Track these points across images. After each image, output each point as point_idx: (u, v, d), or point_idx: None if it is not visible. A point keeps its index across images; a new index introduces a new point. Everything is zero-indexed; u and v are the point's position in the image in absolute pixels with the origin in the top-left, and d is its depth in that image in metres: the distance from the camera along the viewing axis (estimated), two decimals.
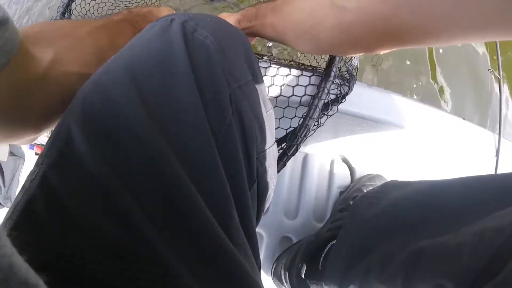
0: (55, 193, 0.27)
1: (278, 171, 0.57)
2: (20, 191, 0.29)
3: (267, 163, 0.41)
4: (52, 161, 0.29)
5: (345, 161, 0.89)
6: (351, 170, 0.88)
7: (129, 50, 0.36)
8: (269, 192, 0.43)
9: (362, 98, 0.77)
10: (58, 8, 0.73)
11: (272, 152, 0.43)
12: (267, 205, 0.44)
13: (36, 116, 0.37)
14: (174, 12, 0.67)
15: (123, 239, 0.27)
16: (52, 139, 0.31)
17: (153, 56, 0.34)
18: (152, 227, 0.28)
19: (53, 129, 0.32)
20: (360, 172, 0.87)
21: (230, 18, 0.62)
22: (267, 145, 0.41)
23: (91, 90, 0.32)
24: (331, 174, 0.87)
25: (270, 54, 1.21)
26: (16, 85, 0.33)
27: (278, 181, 0.83)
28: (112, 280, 0.26)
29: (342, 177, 0.88)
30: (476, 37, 0.33)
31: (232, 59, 0.38)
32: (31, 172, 0.30)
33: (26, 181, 0.29)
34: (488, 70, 1.37)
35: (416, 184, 0.63)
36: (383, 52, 0.43)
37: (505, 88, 1.70)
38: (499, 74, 1.19)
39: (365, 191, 0.79)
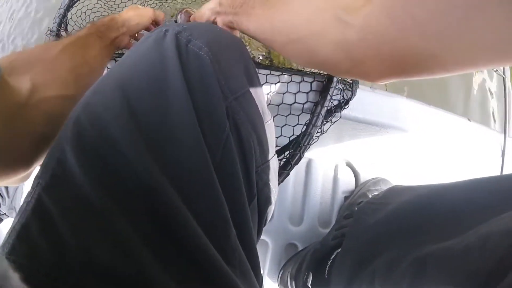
0: (49, 216, 0.27)
1: (282, 181, 0.56)
2: (18, 212, 0.29)
3: (268, 176, 0.40)
4: (46, 183, 0.28)
5: (349, 165, 0.88)
6: (356, 175, 0.87)
7: (120, 67, 0.36)
8: (269, 207, 0.42)
9: (365, 102, 0.77)
10: (54, 18, 0.74)
11: (272, 165, 0.42)
12: (268, 220, 0.44)
13: (24, 146, 0.37)
14: (140, 7, 0.68)
15: (117, 263, 0.26)
16: (46, 161, 0.30)
17: (145, 72, 0.34)
18: (146, 250, 0.27)
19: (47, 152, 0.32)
20: (364, 176, 0.87)
21: (211, 1, 0.60)
22: (267, 158, 0.41)
23: (82, 112, 0.32)
24: (335, 179, 0.86)
25: (268, 58, 1.20)
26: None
27: (282, 187, 0.83)
28: None
29: (347, 181, 0.87)
30: (487, 61, 0.30)
31: (228, 69, 0.37)
32: (28, 193, 0.29)
33: (23, 203, 0.29)
34: (493, 69, 1.36)
35: (420, 189, 0.62)
36: (381, 82, 0.40)
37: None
38: (503, 73, 1.18)
39: (370, 196, 0.79)
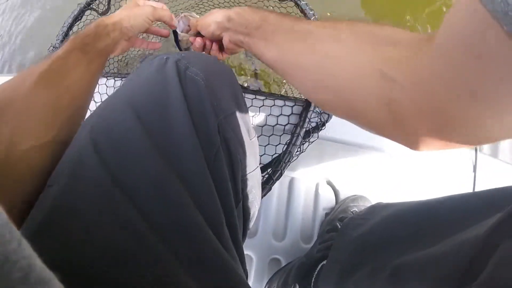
0: (70, 208, 0.32)
1: (264, 195, 0.61)
2: (35, 207, 0.33)
3: (251, 185, 0.46)
4: (67, 181, 0.33)
5: (329, 183, 0.93)
6: (336, 192, 0.92)
7: (127, 88, 0.42)
8: (253, 211, 0.48)
9: (342, 124, 0.83)
10: (57, 36, 0.78)
11: (255, 176, 0.48)
12: (251, 223, 0.49)
13: (14, 209, 0.36)
14: (138, 5, 0.62)
15: (129, 246, 0.31)
16: (62, 165, 0.35)
17: (151, 91, 0.40)
18: (155, 235, 0.32)
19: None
20: (344, 193, 0.91)
21: (219, 13, 0.57)
22: (251, 169, 0.46)
23: (96, 122, 0.37)
24: (316, 196, 0.91)
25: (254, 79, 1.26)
26: None
27: (266, 204, 0.87)
28: (118, 279, 0.30)
29: (327, 199, 0.92)
30: None
31: (219, 93, 0.43)
32: (45, 190, 0.34)
33: (40, 198, 0.34)
34: None
35: (401, 204, 0.63)
36: (423, 150, 0.34)
37: None
38: None
39: (350, 211, 0.83)
